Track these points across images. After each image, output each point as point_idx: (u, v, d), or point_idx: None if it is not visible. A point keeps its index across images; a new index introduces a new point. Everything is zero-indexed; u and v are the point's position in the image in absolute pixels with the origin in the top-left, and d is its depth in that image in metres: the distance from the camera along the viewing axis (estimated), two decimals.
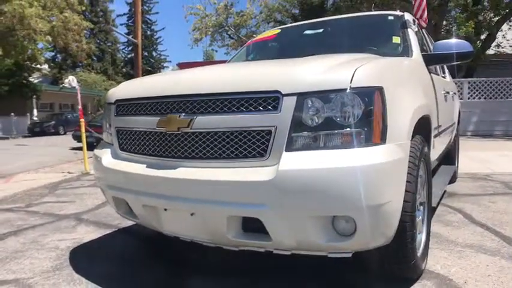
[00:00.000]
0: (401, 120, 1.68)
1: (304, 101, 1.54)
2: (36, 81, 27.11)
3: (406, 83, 1.95)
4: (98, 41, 42.76)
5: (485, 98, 11.72)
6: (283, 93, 1.56)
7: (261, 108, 1.58)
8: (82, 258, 2.48)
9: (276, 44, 3.28)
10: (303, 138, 1.55)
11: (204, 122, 1.68)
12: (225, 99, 1.65)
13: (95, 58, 41.22)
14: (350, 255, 1.63)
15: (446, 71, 4.28)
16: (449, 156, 4.33)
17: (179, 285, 2.05)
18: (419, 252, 1.96)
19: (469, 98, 11.65)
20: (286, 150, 1.54)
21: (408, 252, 1.75)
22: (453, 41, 2.70)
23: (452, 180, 4.51)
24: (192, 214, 1.72)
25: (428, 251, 2.17)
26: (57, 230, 3.11)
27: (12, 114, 22.58)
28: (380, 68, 1.74)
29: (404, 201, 1.66)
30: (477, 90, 11.72)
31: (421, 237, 2.10)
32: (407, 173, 1.70)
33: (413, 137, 1.90)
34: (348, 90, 1.52)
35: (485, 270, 2.05)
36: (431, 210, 2.35)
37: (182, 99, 1.77)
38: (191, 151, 1.72)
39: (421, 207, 2.18)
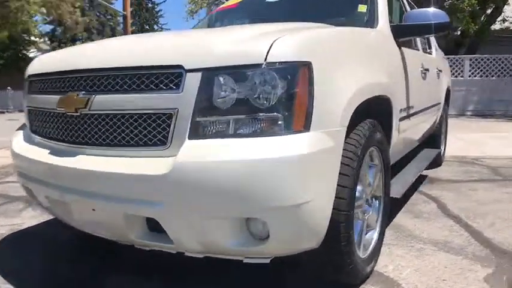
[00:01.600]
0: (334, 102, 1.39)
1: (211, 79, 1.26)
2: (34, 55, 26.69)
3: (351, 58, 1.63)
4: (98, 13, 41.82)
5: (487, 76, 11.22)
6: (186, 68, 1.28)
7: (163, 87, 1.31)
8: (7, 249, 2.27)
9: (237, 13, 2.95)
10: (208, 124, 1.28)
11: (102, 102, 1.42)
12: (124, 75, 1.38)
13: (94, 31, 40.41)
14: (268, 260, 1.39)
15: (434, 45, 3.93)
16: (434, 139, 4.04)
17: (96, 283, 1.84)
18: (365, 254, 1.72)
19: (469, 76, 11.17)
20: (189, 138, 1.28)
21: (343, 256, 1.50)
22: (431, 10, 2.37)
23: (438, 163, 4.25)
24: (93, 209, 1.49)
25: (380, 250, 1.93)
26: (1, 214, 2.90)
27: (9, 88, 22.28)
28: (311, 40, 1.43)
29: (337, 198, 1.41)
30: (479, 68, 11.21)
31: (372, 236, 1.86)
32: (344, 164, 1.44)
33: (360, 121, 1.63)
34: (263, 66, 1.24)
35: (442, 273, 1.81)
36: (392, 203, 2.10)
37: (82, 74, 1.50)
38: (91, 136, 1.47)
39: (376, 201, 1.93)
